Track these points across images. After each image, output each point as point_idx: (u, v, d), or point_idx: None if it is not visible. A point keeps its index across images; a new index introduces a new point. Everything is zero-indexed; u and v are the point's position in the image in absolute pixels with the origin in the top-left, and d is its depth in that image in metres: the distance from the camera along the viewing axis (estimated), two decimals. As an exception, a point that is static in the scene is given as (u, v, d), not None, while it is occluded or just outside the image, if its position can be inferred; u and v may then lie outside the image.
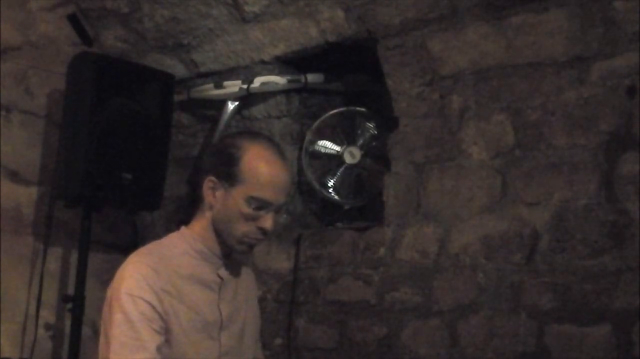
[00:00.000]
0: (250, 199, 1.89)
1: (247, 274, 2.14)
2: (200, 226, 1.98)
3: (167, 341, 1.86)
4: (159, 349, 1.83)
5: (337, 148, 3.24)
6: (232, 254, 2.02)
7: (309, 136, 3.27)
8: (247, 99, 3.35)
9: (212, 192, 1.93)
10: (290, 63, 3.27)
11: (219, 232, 1.95)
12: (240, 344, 2.04)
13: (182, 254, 1.96)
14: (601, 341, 2.38)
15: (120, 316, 1.83)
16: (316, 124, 3.28)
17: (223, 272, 2.00)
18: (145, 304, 1.84)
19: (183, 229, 2.01)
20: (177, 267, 1.92)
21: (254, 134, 2.02)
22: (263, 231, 1.93)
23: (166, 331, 1.86)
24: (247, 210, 1.90)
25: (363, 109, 3.24)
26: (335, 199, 3.25)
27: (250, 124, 3.42)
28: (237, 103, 3.36)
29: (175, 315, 1.88)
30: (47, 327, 3.42)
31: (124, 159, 3.12)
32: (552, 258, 2.51)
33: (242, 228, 1.92)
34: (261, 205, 1.90)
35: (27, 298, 3.36)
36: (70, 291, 3.22)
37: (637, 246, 2.35)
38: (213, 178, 1.92)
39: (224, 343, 1.97)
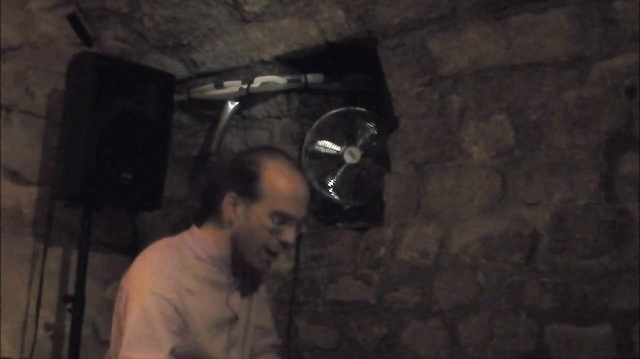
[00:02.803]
0: (274, 214, 1.92)
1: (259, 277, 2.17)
2: (215, 235, 2.00)
3: (185, 339, 1.88)
4: (173, 351, 1.84)
5: (337, 148, 3.24)
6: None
7: (309, 136, 3.27)
8: (247, 99, 3.35)
9: (233, 209, 1.95)
10: (290, 63, 3.27)
11: (238, 248, 1.97)
12: (245, 335, 2.07)
13: (197, 258, 1.97)
14: (601, 341, 2.38)
15: (140, 312, 1.84)
16: (316, 124, 3.28)
17: (233, 277, 2.03)
18: (167, 304, 1.84)
19: (196, 230, 2.02)
20: (193, 268, 1.95)
21: (271, 150, 2.07)
22: (285, 245, 1.96)
23: (185, 330, 1.88)
24: (271, 225, 1.93)
25: (363, 109, 3.24)
26: (335, 199, 3.25)
27: (250, 124, 3.42)
28: (237, 103, 3.36)
29: (195, 313, 1.90)
30: (47, 327, 3.42)
31: (124, 159, 3.11)
32: (552, 258, 2.51)
33: (264, 243, 1.95)
34: (284, 220, 1.93)
35: (27, 298, 3.35)
36: (70, 291, 3.21)
37: (637, 246, 2.35)
38: (233, 194, 1.95)
39: (232, 336, 2.01)
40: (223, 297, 2.00)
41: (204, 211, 2.02)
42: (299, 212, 1.96)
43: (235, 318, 2.01)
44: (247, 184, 1.94)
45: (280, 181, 1.94)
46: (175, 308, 1.85)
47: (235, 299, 2.03)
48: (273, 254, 1.97)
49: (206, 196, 2.03)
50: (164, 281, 1.86)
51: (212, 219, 2.00)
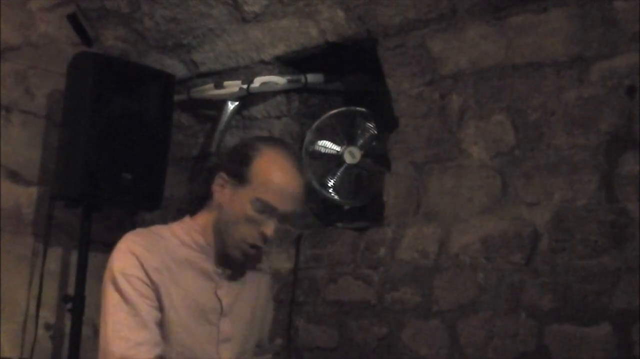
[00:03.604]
0: (255, 201, 1.88)
1: (259, 271, 2.13)
2: (204, 220, 1.98)
3: (160, 321, 1.86)
4: (157, 324, 1.83)
5: (337, 148, 3.24)
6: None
7: (309, 136, 3.27)
8: (247, 99, 3.35)
9: (221, 189, 1.93)
10: (290, 63, 3.27)
11: (219, 232, 1.94)
12: (245, 333, 2.04)
13: (181, 244, 1.96)
14: (601, 341, 2.38)
15: (116, 295, 1.83)
16: (316, 124, 3.28)
17: (222, 265, 1.99)
18: (139, 282, 1.84)
19: (187, 219, 2.01)
20: (172, 253, 1.92)
21: (273, 139, 2.03)
22: (263, 237, 1.91)
23: (160, 308, 1.86)
24: (251, 212, 1.88)
25: (363, 109, 3.24)
26: (335, 199, 3.25)
27: (250, 124, 3.42)
28: (237, 103, 3.36)
29: (167, 295, 1.87)
30: (47, 327, 3.42)
31: (124, 159, 3.12)
32: (552, 258, 2.51)
33: (243, 230, 1.90)
34: (265, 209, 1.88)
35: (27, 298, 3.36)
36: (70, 291, 3.22)
37: (637, 246, 2.35)
38: (224, 175, 1.92)
39: (222, 329, 1.97)
40: (210, 286, 1.96)
41: (203, 199, 2.01)
42: (283, 205, 1.89)
43: (221, 309, 1.97)
44: (238, 166, 1.90)
45: (270, 169, 1.89)
46: (145, 284, 1.84)
47: (226, 290, 1.99)
48: (252, 247, 1.92)
49: (206, 182, 2.02)
50: (130, 261, 1.85)
51: (207, 205, 1.98)
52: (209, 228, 1.96)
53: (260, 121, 3.39)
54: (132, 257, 1.86)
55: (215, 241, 1.96)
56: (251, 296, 2.08)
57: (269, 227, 1.90)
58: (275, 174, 1.89)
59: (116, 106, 3.11)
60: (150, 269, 1.86)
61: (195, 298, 1.92)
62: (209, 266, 1.97)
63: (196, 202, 2.04)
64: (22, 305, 3.35)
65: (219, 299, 1.97)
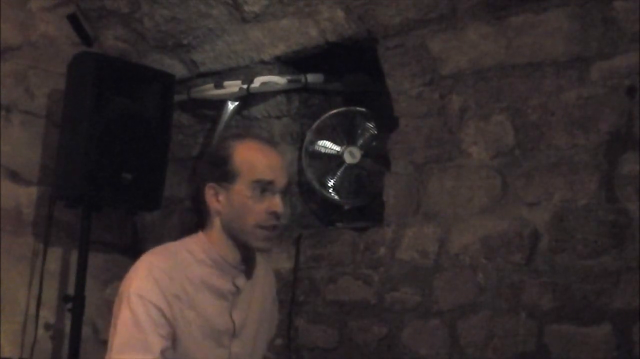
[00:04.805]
0: (253, 184, 1.91)
1: (265, 274, 2.14)
2: (215, 232, 1.98)
3: (174, 347, 1.87)
4: (162, 352, 1.83)
5: (337, 148, 3.24)
6: (250, 261, 2.01)
7: (309, 136, 3.27)
8: (247, 99, 3.35)
9: (216, 198, 1.94)
10: (290, 63, 3.27)
11: (234, 235, 1.95)
12: (252, 351, 2.05)
13: (198, 262, 1.95)
14: (601, 341, 2.38)
15: (128, 314, 1.84)
16: (316, 124, 3.28)
17: (240, 281, 2.00)
18: (154, 309, 1.84)
19: (200, 234, 2.01)
20: (190, 274, 1.92)
21: (238, 133, 2.06)
22: (275, 215, 1.93)
23: (173, 337, 1.86)
24: (252, 195, 1.91)
25: (363, 109, 3.24)
26: (335, 199, 3.25)
27: (250, 124, 3.42)
28: (237, 103, 3.36)
29: (184, 321, 1.88)
30: (47, 327, 3.42)
31: (124, 159, 3.12)
32: (552, 258, 2.51)
33: (254, 219, 1.92)
34: (264, 186, 1.92)
35: (27, 298, 3.36)
36: (70, 291, 3.22)
37: (637, 246, 2.35)
38: (212, 184, 1.94)
39: (233, 351, 1.98)
40: (225, 306, 1.96)
41: (201, 214, 2.01)
42: (277, 177, 1.94)
43: (233, 331, 1.98)
44: (220, 169, 1.93)
45: (250, 153, 1.94)
46: (162, 312, 1.84)
47: (239, 309, 1.99)
48: (268, 229, 1.94)
49: (195, 198, 2.02)
50: (150, 286, 1.86)
51: (208, 220, 1.99)
52: (222, 237, 1.96)
53: (260, 120, 3.39)
54: (153, 283, 1.86)
55: (234, 244, 1.96)
56: (259, 304, 2.08)
57: (276, 204, 1.93)
58: (256, 155, 1.94)
59: (116, 106, 3.11)
60: (170, 297, 1.86)
61: (210, 321, 1.93)
62: (226, 284, 1.97)
63: (198, 218, 2.03)
64: (22, 305, 3.35)
65: (233, 321, 1.98)
